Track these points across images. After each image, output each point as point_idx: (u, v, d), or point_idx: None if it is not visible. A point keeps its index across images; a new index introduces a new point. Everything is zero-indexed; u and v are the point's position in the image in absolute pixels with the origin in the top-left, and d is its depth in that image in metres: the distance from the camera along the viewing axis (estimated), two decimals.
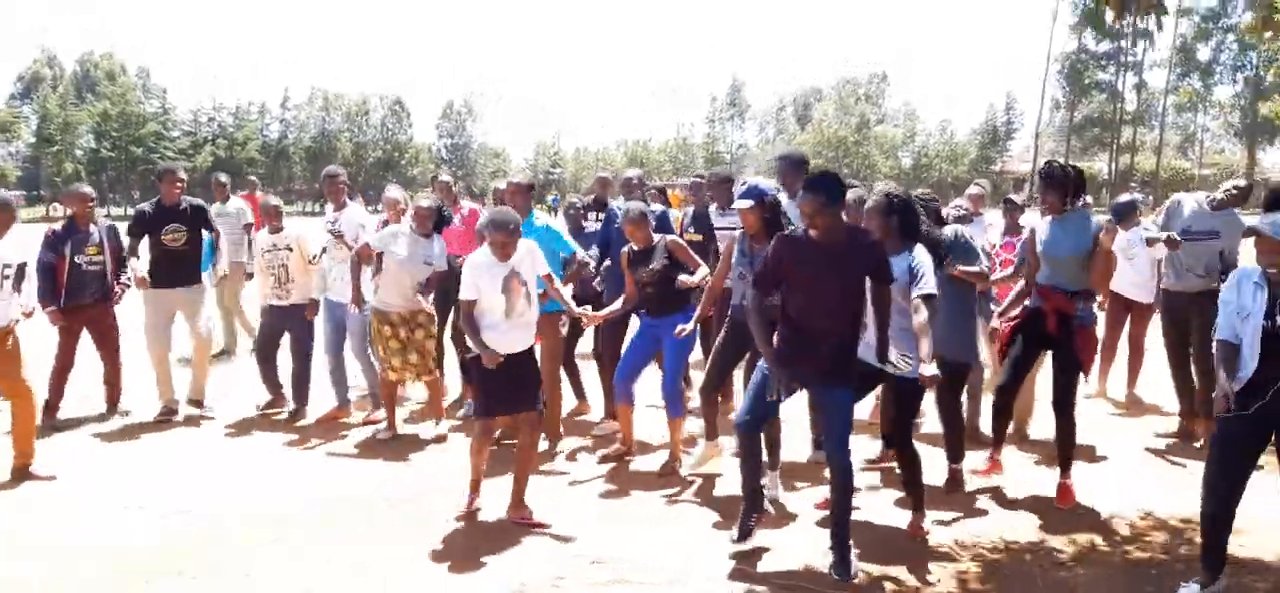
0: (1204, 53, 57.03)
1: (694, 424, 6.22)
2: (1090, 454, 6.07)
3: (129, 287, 7.16)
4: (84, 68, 64.85)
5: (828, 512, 4.44)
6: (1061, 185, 5.14)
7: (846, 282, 4.21)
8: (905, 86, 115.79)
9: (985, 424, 6.04)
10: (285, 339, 7.18)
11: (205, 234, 7.50)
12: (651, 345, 5.90)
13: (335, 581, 4.29)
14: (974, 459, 5.67)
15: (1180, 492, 5.22)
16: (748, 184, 5.43)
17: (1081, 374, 5.30)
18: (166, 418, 6.95)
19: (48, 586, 4.25)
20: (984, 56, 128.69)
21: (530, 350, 5.06)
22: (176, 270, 7.12)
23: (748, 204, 5.15)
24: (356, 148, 67.04)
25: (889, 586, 4.20)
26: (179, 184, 7.21)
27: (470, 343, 4.90)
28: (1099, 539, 4.73)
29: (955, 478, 5.48)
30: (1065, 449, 5.25)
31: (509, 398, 4.93)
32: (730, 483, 5.47)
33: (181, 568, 4.39)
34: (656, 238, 5.80)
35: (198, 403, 7.15)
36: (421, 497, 5.32)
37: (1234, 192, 6.29)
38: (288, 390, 7.23)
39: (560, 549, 4.61)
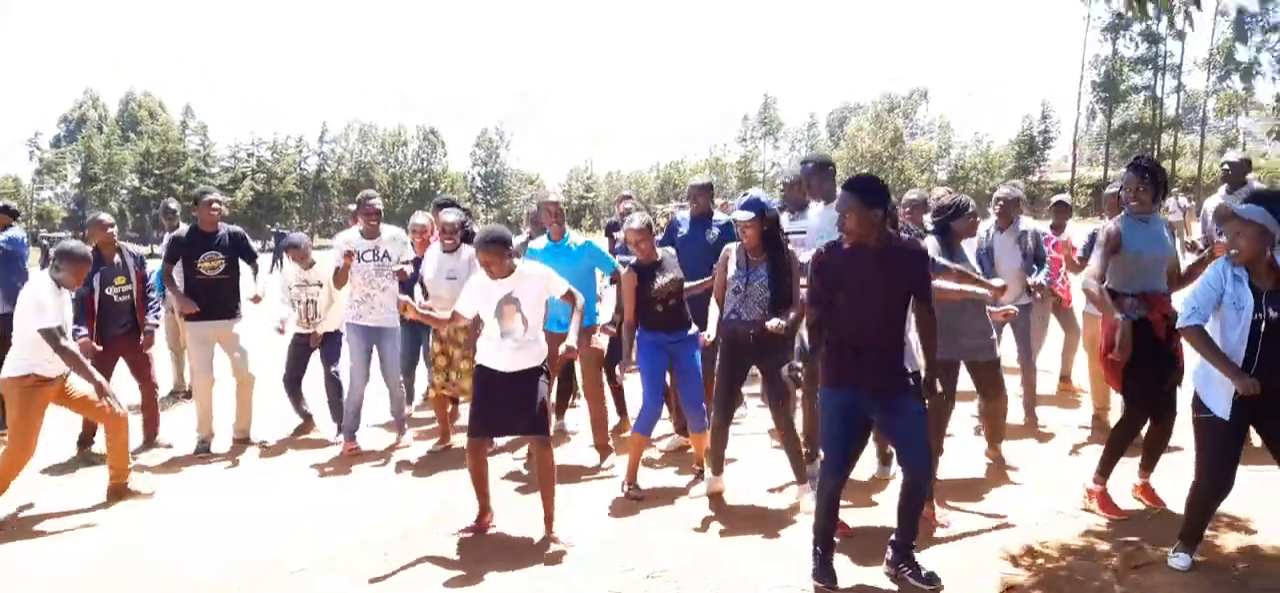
0: (1244, 54, 55.94)
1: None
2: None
3: (158, 324, 7.09)
4: (128, 106, 66.19)
5: (845, 536, 4.56)
6: (1159, 182, 4.86)
7: (885, 290, 4.02)
8: (940, 99, 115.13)
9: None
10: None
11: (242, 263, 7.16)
12: (664, 362, 5.66)
13: None
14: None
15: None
16: (748, 196, 5.29)
17: None
18: (204, 452, 6.80)
19: None
20: (1019, 66, 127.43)
21: (531, 375, 4.82)
22: (212, 301, 6.84)
23: (748, 216, 5.09)
24: (393, 178, 67.77)
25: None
26: (215, 209, 7.00)
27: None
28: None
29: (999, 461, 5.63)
30: (1158, 450, 5.00)
31: (503, 419, 4.85)
32: (783, 498, 5.44)
33: None
34: (661, 251, 5.67)
35: (244, 442, 6.99)
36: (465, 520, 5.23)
37: (1227, 168, 6.48)
38: (321, 415, 7.25)
39: (615, 564, 4.53)
